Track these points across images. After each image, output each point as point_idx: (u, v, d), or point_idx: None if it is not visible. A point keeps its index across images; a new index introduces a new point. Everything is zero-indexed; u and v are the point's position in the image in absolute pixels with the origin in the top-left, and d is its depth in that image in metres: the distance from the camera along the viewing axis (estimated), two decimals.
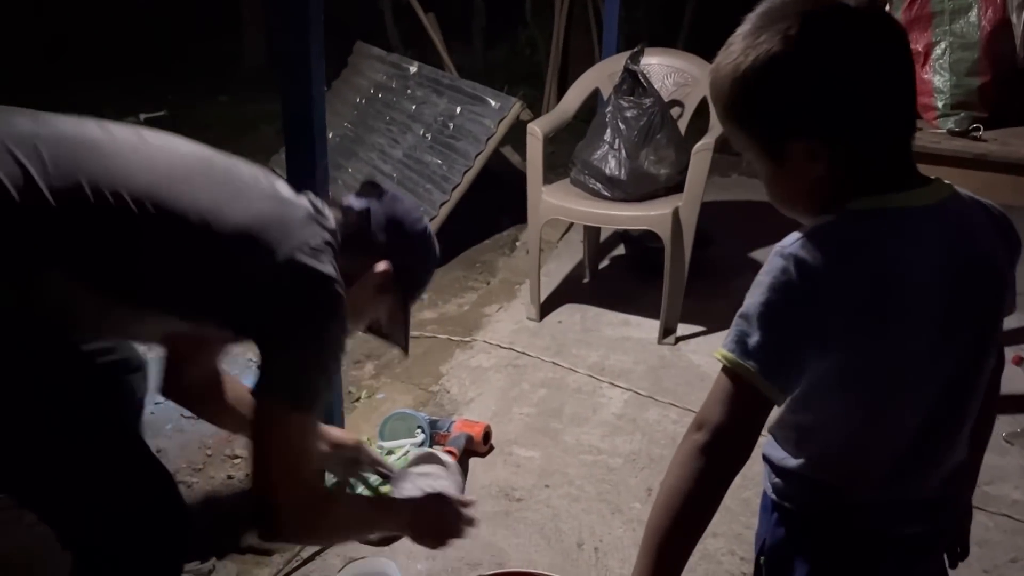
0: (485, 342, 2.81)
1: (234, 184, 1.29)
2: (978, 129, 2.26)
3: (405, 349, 1.55)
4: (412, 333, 2.87)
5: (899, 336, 0.90)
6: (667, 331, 2.81)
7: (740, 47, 0.89)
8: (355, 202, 1.45)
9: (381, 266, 1.41)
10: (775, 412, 0.96)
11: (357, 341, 2.91)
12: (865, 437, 0.95)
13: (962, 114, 2.30)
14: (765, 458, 1.05)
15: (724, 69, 0.91)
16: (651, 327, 2.84)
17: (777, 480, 1.03)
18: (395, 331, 1.54)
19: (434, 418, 2.25)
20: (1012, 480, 2.12)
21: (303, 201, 1.35)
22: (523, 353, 2.73)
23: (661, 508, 0.94)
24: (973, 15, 2.28)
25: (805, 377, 0.92)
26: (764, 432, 0.94)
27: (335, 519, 1.37)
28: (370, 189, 1.48)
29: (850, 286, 0.87)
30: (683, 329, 2.83)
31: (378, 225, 1.42)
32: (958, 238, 0.91)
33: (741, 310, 0.91)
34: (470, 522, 1.52)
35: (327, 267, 1.27)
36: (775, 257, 0.90)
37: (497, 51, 6.62)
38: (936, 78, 2.36)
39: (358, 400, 2.51)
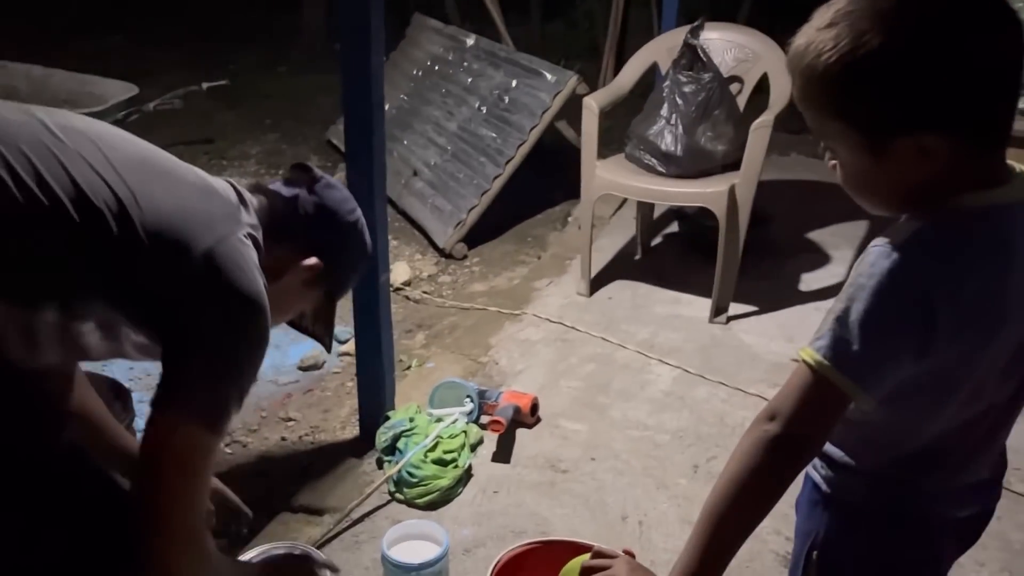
0: (535, 316, 2.82)
1: (159, 169, 1.17)
2: None
3: (328, 346, 1.47)
4: (463, 305, 2.94)
5: (994, 343, 0.88)
6: (719, 310, 2.78)
7: (844, 30, 0.81)
8: (283, 189, 1.34)
9: (310, 261, 1.31)
10: None
11: (408, 310, 2.96)
12: (943, 435, 0.94)
13: None
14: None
15: (824, 53, 0.82)
16: (703, 306, 2.82)
17: (833, 474, 1.01)
18: (319, 327, 1.45)
19: (483, 388, 2.28)
20: None
21: (228, 190, 1.24)
22: (572, 328, 2.73)
23: (721, 494, 0.91)
24: None
25: None
26: None
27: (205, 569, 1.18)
28: (300, 174, 1.37)
29: (961, 296, 0.83)
30: (735, 309, 2.80)
31: (307, 215, 1.31)
32: None
33: (838, 312, 0.85)
34: None
35: (251, 268, 1.14)
36: (879, 259, 0.84)
37: (555, 24, 6.55)
38: None
39: (408, 368, 2.56)
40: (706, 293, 2.80)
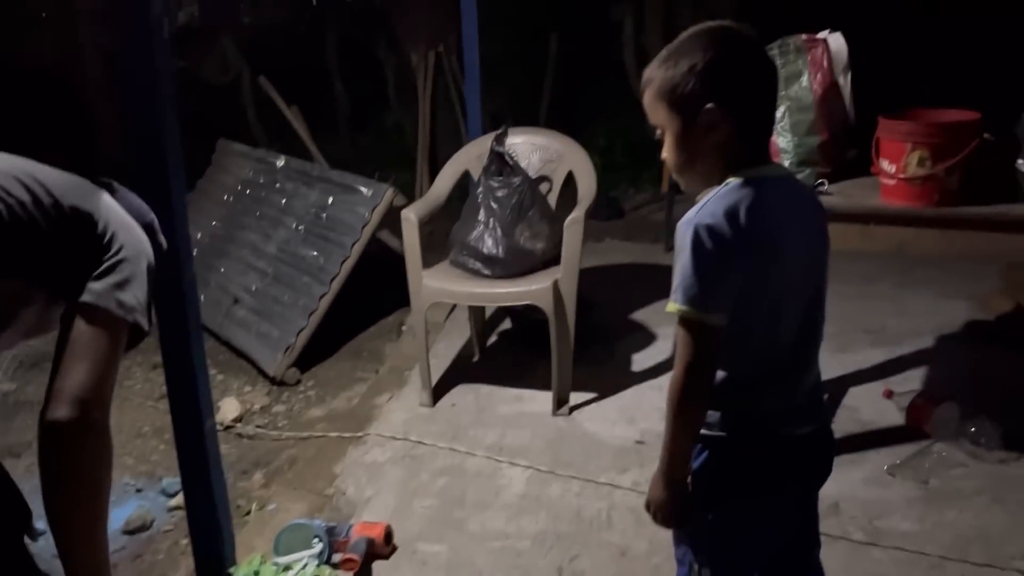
0: (378, 435, 2.72)
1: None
2: (823, 183, 2.43)
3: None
4: (301, 434, 2.81)
5: (778, 268, 1.23)
6: (560, 402, 2.81)
7: (671, 60, 1.25)
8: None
9: None
10: None
11: (242, 449, 2.78)
12: (763, 345, 1.27)
13: (807, 171, 2.46)
14: None
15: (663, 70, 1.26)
16: (545, 399, 2.84)
17: None
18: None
19: (331, 524, 2.15)
20: (899, 512, 2.20)
21: None
22: (419, 442, 2.66)
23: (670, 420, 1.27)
24: (804, 80, 2.47)
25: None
26: None
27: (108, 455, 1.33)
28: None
29: (746, 231, 1.19)
30: (576, 398, 2.85)
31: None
32: (800, 201, 1.32)
33: (676, 275, 1.22)
34: None
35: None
36: (687, 227, 1.21)
37: (365, 137, 6.64)
38: (780, 139, 2.54)
39: (248, 514, 2.37)
40: (546, 386, 2.83)
